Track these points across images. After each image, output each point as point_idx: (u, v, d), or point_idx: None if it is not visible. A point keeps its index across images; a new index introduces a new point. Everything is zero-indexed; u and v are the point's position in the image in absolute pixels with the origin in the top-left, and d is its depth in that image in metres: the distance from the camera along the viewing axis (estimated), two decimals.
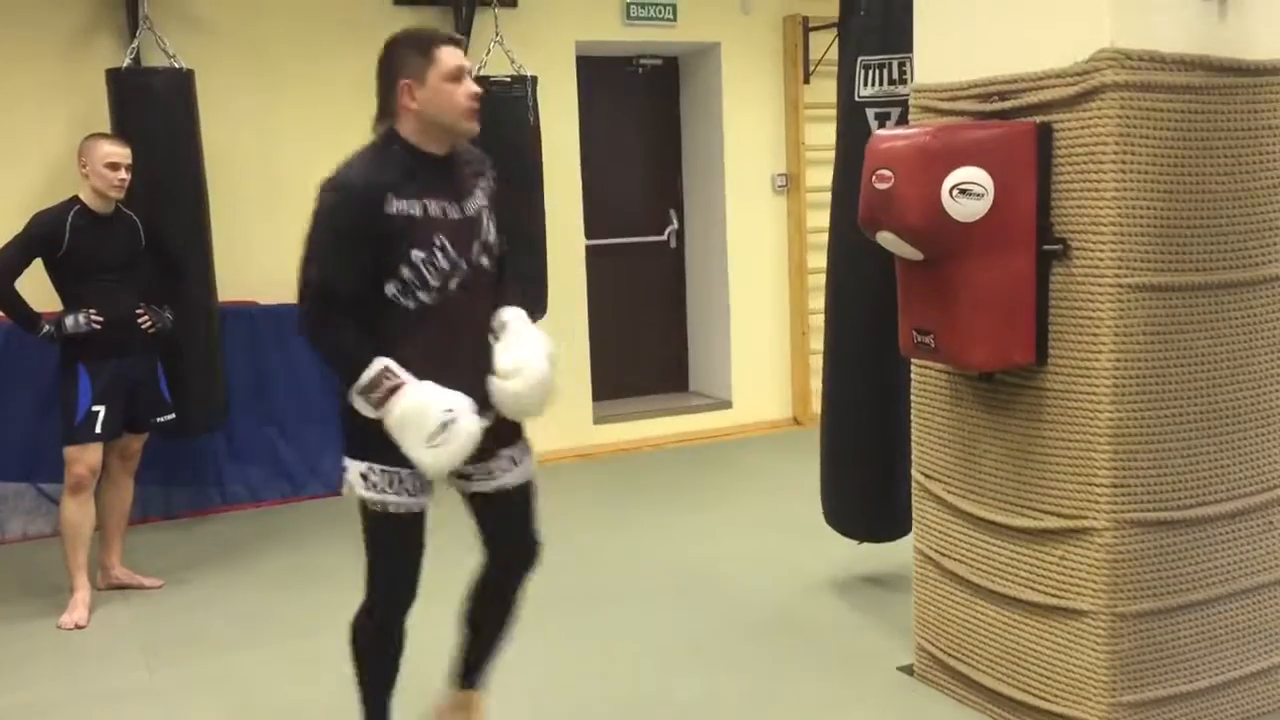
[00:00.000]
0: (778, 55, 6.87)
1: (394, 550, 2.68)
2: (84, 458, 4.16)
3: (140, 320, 4.28)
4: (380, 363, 2.44)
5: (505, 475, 2.80)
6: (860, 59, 3.84)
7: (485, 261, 2.63)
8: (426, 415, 2.42)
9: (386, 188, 2.47)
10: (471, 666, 2.95)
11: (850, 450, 4.06)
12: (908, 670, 3.54)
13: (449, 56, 2.53)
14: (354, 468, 2.60)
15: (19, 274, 4.13)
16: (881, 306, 3.55)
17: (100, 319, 4.15)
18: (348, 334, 2.49)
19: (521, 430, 2.82)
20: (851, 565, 4.41)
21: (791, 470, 6.03)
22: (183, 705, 3.56)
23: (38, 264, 4.16)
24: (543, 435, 6.26)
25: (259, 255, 5.58)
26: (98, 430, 4.16)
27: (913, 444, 3.42)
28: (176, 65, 4.90)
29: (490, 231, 2.65)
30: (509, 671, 3.68)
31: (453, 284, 2.54)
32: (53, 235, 4.12)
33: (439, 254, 2.52)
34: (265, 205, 5.65)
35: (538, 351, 2.68)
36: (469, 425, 2.46)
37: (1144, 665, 2.88)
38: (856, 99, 3.86)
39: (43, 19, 5.23)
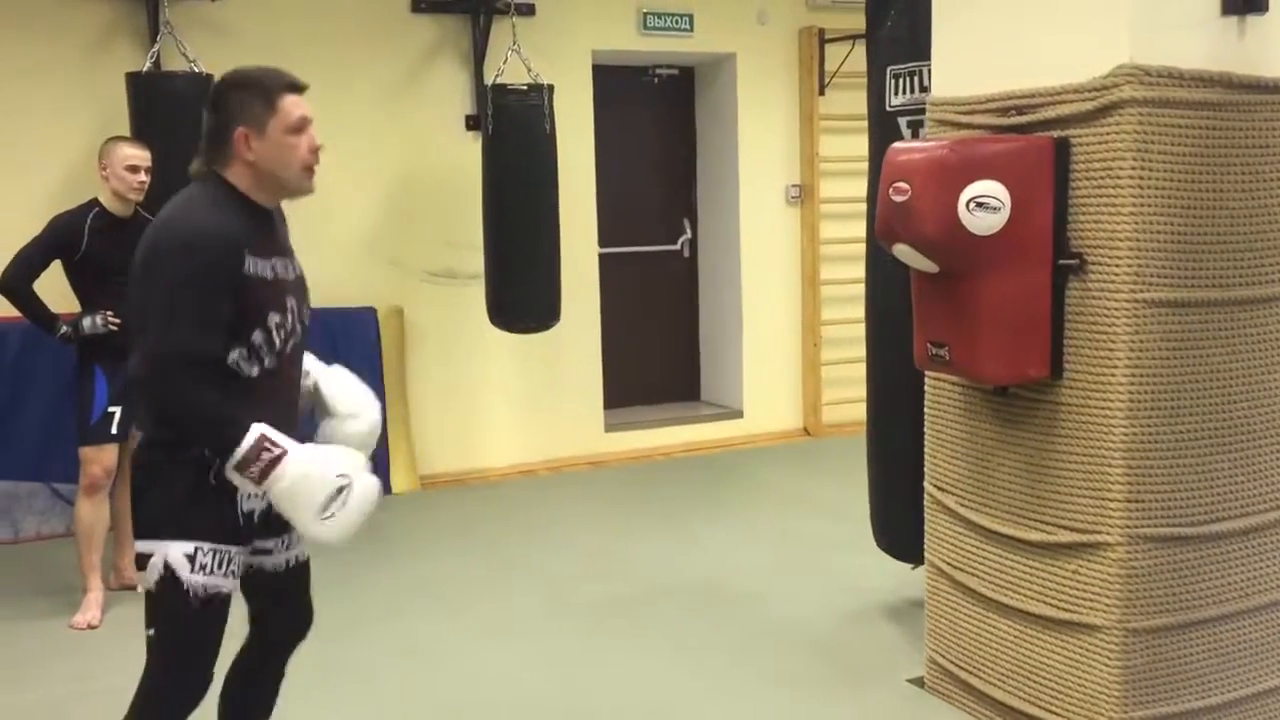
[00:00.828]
0: (793, 66, 6.88)
1: (206, 642, 2.33)
2: (99, 458, 4.18)
3: None
4: (257, 430, 2.16)
5: (300, 545, 2.56)
6: (890, 69, 3.84)
7: (307, 321, 2.44)
8: (316, 486, 2.19)
9: (243, 244, 2.22)
10: None
11: (899, 471, 3.88)
12: (918, 682, 3.54)
13: (292, 106, 2.30)
14: (174, 549, 2.24)
15: (38, 275, 4.16)
16: None
17: (117, 320, 4.17)
18: (212, 399, 2.18)
19: None
20: (861, 577, 4.41)
21: (802, 481, 6.04)
22: None
23: (56, 266, 4.19)
24: (553, 443, 6.36)
25: None
26: (113, 431, 4.19)
27: (926, 456, 3.42)
28: (196, 69, 4.93)
29: (308, 290, 2.47)
30: (517, 680, 3.69)
31: (289, 347, 2.34)
32: (71, 237, 4.14)
33: (289, 317, 2.32)
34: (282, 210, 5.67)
35: (363, 389, 2.59)
36: (365, 488, 2.25)
37: (1156, 681, 2.87)
38: (888, 108, 3.85)
39: (65, 23, 5.27)
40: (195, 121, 4.88)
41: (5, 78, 5.21)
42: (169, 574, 2.25)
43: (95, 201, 4.22)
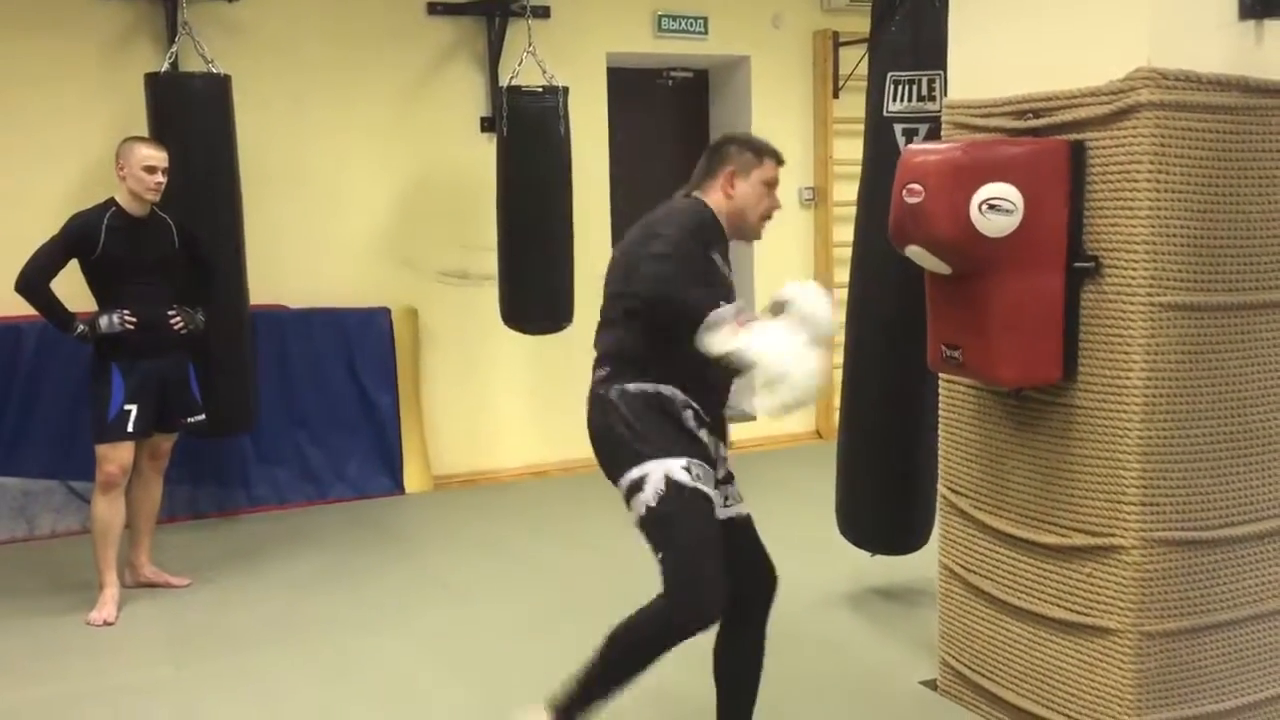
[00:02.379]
0: (807, 69, 6.89)
1: (712, 545, 2.63)
2: (115, 456, 4.21)
3: (173, 321, 4.32)
4: (734, 304, 2.54)
5: (738, 505, 2.89)
6: (890, 74, 3.86)
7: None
8: (791, 336, 2.48)
9: (715, 244, 2.77)
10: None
11: (865, 460, 4.09)
12: (930, 685, 3.54)
13: (774, 170, 2.83)
14: (673, 464, 2.62)
15: (55, 274, 4.18)
16: (901, 316, 3.56)
17: (134, 319, 4.19)
18: (695, 289, 2.59)
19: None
20: (872, 579, 4.41)
21: (814, 483, 6.01)
22: (208, 702, 3.59)
23: (74, 265, 4.22)
24: (567, 443, 6.36)
25: (290, 260, 5.64)
26: (129, 429, 4.21)
27: (939, 459, 3.43)
28: (214, 70, 4.95)
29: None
30: (530, 678, 3.70)
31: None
32: (88, 237, 4.17)
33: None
34: (297, 211, 5.70)
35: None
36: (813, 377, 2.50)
37: (1170, 685, 2.87)
38: (885, 114, 3.88)
39: (83, 23, 5.30)
40: (211, 122, 4.98)
41: (24, 78, 5.24)
42: (672, 485, 2.59)
43: (112, 201, 4.24)
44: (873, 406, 4.04)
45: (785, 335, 2.48)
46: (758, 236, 2.91)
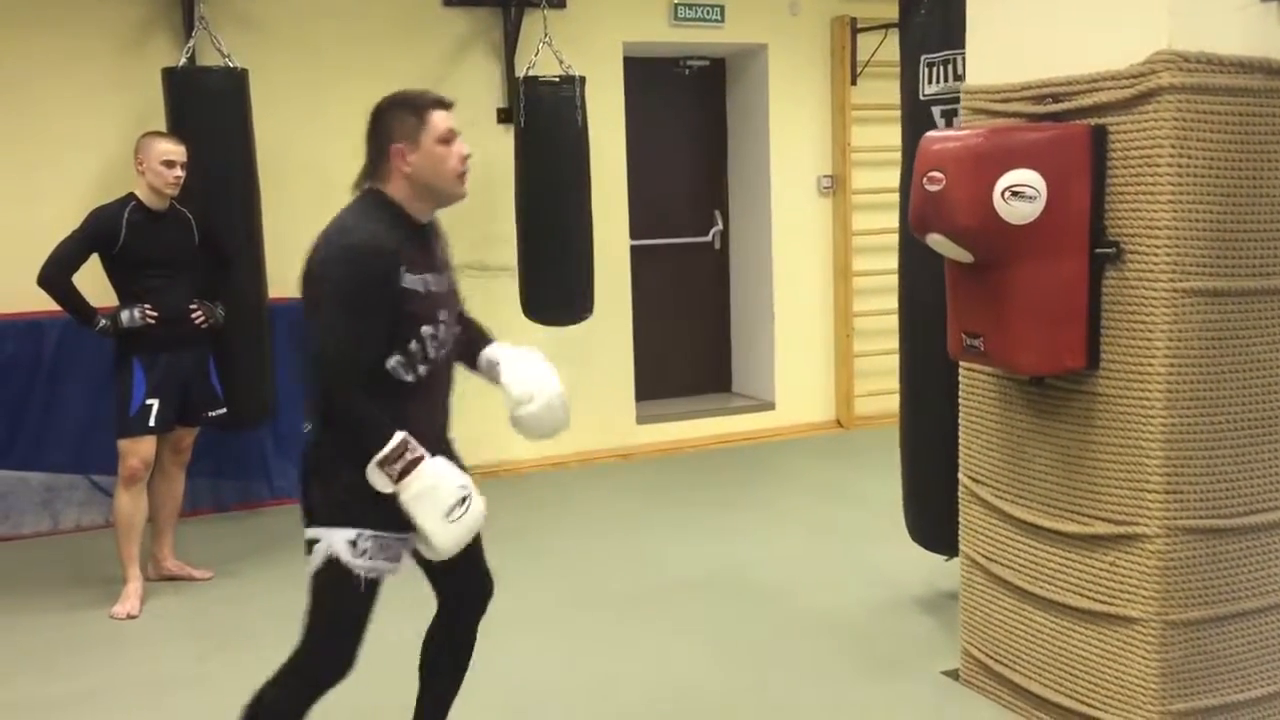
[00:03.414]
0: (825, 56, 6.85)
1: (356, 622, 2.54)
2: (138, 450, 4.23)
3: (193, 315, 4.34)
4: (400, 435, 2.37)
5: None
6: (924, 57, 3.81)
7: (457, 329, 2.66)
8: (445, 490, 2.40)
9: (400, 259, 2.41)
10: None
11: (933, 462, 3.87)
12: (953, 675, 3.52)
13: (440, 119, 2.50)
14: (339, 535, 2.45)
15: (76, 269, 4.20)
16: None
17: (155, 314, 4.21)
18: (370, 405, 2.39)
19: None
20: (894, 570, 4.39)
21: (834, 473, 6.02)
22: (231, 694, 3.57)
23: (95, 260, 4.24)
24: (585, 435, 6.37)
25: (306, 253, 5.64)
26: (151, 423, 4.23)
27: (960, 447, 3.40)
28: (231, 65, 4.96)
29: (461, 300, 2.70)
30: (547, 670, 3.70)
31: (441, 355, 2.54)
32: (109, 231, 4.18)
33: (441, 328, 2.51)
34: (315, 205, 5.65)
35: (543, 369, 2.75)
36: (479, 503, 2.47)
37: (1195, 674, 2.85)
38: (921, 97, 3.82)
39: (101, 19, 5.32)
40: (229, 116, 4.99)
41: (43, 73, 5.26)
42: (333, 558, 2.45)
43: (132, 195, 4.26)
44: (933, 402, 3.82)
45: (435, 493, 2.38)
46: (462, 195, 2.57)
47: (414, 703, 2.91)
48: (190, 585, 4.52)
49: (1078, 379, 2.94)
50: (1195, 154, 2.69)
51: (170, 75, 4.87)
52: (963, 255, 2.89)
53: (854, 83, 6.78)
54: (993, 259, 2.85)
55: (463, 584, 2.80)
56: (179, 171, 4.26)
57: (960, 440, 3.40)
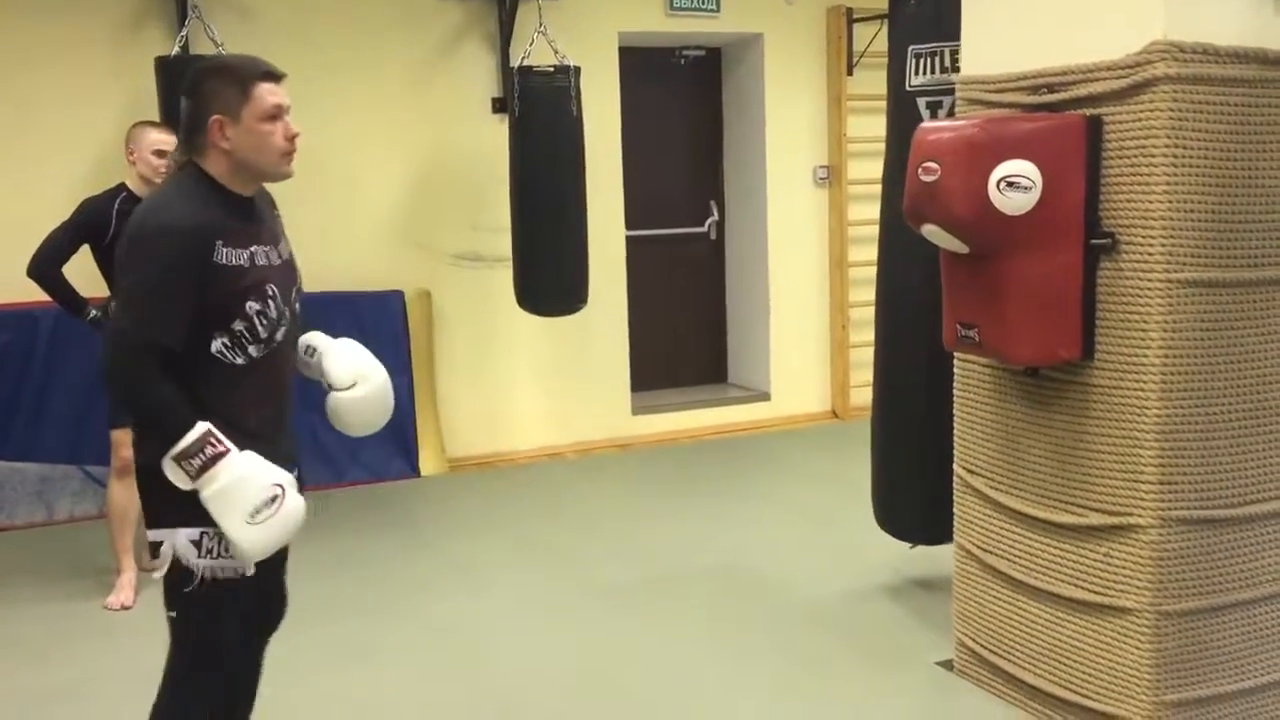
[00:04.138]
0: (821, 46, 6.83)
1: (231, 631, 2.38)
2: (130, 441, 4.21)
3: None
4: (202, 426, 2.18)
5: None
6: (911, 48, 3.80)
7: (298, 308, 2.45)
8: (251, 489, 2.19)
9: (216, 234, 2.22)
10: None
11: (903, 450, 3.95)
12: (946, 665, 3.52)
13: (267, 94, 2.28)
14: (181, 536, 2.26)
15: (66, 259, 4.18)
16: (935, 299, 3.48)
17: None
18: (167, 391, 2.20)
19: None
20: (889, 560, 4.39)
21: (830, 464, 6.02)
22: None
23: (86, 250, 4.22)
24: (581, 426, 6.37)
25: (301, 244, 5.56)
26: None
27: (955, 438, 3.40)
28: (223, 54, 4.94)
29: (300, 276, 2.48)
30: (544, 660, 3.70)
31: (278, 335, 2.34)
32: (99, 221, 4.16)
33: (271, 304, 2.30)
34: (309, 194, 5.66)
35: (368, 357, 2.57)
36: (296, 504, 2.26)
37: (1189, 664, 2.85)
38: (907, 88, 3.82)
39: (93, 7, 5.30)
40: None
41: (34, 62, 5.24)
42: (178, 561, 2.28)
43: (123, 186, 4.24)
44: (906, 392, 3.90)
45: (237, 493, 2.18)
46: (287, 174, 2.36)
47: None
48: None
49: (1072, 370, 2.93)
50: (1190, 145, 2.68)
51: (163, 64, 4.85)
52: (957, 246, 2.88)
53: (850, 73, 6.77)
54: (988, 249, 2.84)
55: (269, 604, 2.59)
56: (170, 161, 4.23)
57: (955, 431, 3.40)
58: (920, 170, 2.85)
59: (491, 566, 4.62)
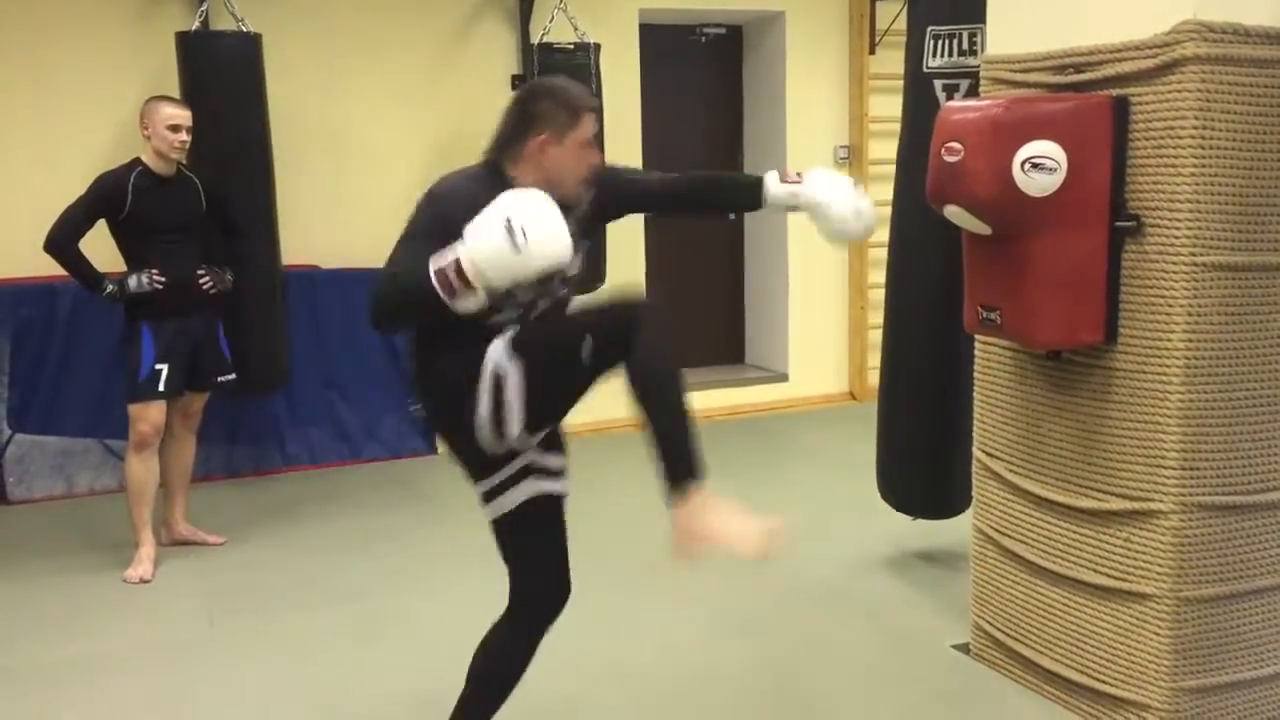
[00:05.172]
0: (843, 25, 6.78)
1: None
2: (147, 415, 4.23)
3: (201, 281, 4.33)
4: (433, 262, 2.29)
5: (566, 480, 2.72)
6: (930, 29, 3.78)
7: (564, 290, 2.61)
8: (491, 228, 2.22)
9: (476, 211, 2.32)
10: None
11: (905, 423, 4.04)
12: (963, 648, 3.51)
13: (591, 126, 2.48)
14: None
15: (83, 234, 4.19)
16: (944, 279, 3.51)
17: (162, 279, 4.20)
18: (402, 275, 2.38)
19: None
20: (907, 541, 4.38)
21: (847, 445, 6.00)
22: (241, 658, 3.62)
23: (103, 224, 4.23)
24: (598, 405, 6.32)
25: (322, 220, 5.64)
26: (161, 388, 4.23)
27: (975, 421, 3.38)
28: (244, 29, 4.93)
29: (576, 265, 2.55)
30: (557, 639, 3.70)
31: (536, 309, 2.50)
32: (115, 197, 4.17)
33: (555, 284, 2.51)
34: (329, 171, 5.69)
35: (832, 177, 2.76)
36: (544, 209, 2.23)
37: (1207, 650, 2.83)
38: (924, 70, 3.80)
39: None
40: (242, 81, 4.96)
41: (55, 37, 5.25)
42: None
43: (139, 161, 4.24)
44: (913, 369, 3.98)
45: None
46: (581, 198, 2.52)
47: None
48: (203, 550, 4.54)
49: (1095, 354, 2.91)
50: (1218, 126, 2.65)
51: (183, 39, 4.84)
52: (980, 227, 2.86)
53: (872, 52, 6.71)
54: (1011, 231, 2.81)
55: (542, 585, 2.72)
56: (184, 136, 4.23)
57: (975, 414, 3.38)
58: (944, 150, 2.82)
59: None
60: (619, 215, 2.83)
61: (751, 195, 2.79)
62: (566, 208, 2.38)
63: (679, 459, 2.48)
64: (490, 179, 2.44)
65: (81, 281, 4.24)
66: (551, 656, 3.60)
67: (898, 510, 4.20)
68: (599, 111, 2.55)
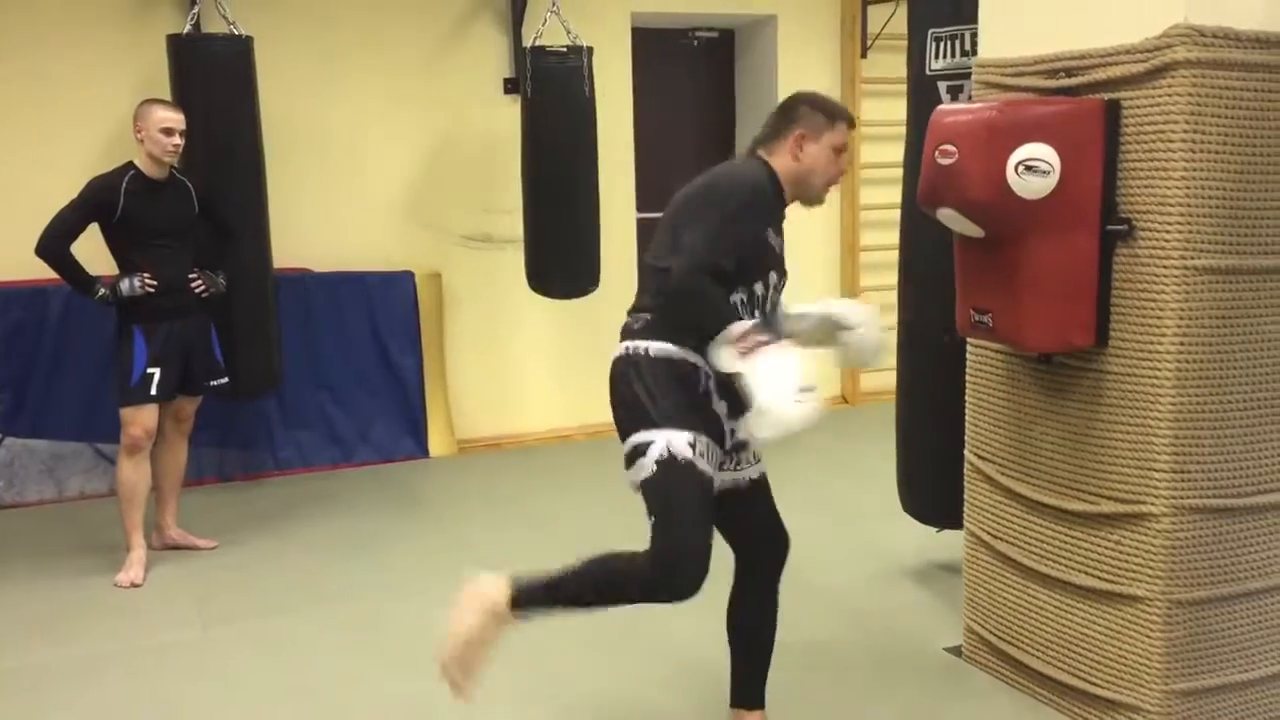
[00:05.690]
0: (835, 28, 6.79)
1: (703, 519, 2.61)
2: (139, 419, 4.22)
3: (193, 284, 4.33)
4: (751, 321, 2.54)
5: (753, 467, 2.85)
6: (931, 31, 3.78)
7: (779, 296, 2.87)
8: (796, 369, 2.44)
9: (771, 218, 2.70)
10: (744, 682, 2.97)
11: (926, 434, 3.94)
12: (955, 651, 3.52)
13: (845, 134, 2.74)
14: (678, 437, 2.56)
15: (75, 238, 4.18)
16: (953, 280, 3.44)
17: (154, 283, 4.20)
18: (718, 293, 2.57)
19: None
20: (899, 545, 4.39)
21: (839, 449, 6.00)
22: (233, 663, 3.61)
23: (94, 228, 4.21)
24: (591, 408, 6.35)
25: (313, 223, 5.63)
26: (153, 392, 4.22)
27: (966, 424, 3.39)
28: (236, 32, 4.92)
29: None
30: (552, 642, 3.71)
31: (765, 308, 2.76)
32: (107, 200, 4.16)
33: (769, 286, 2.74)
34: (321, 174, 5.68)
35: (863, 306, 2.95)
36: (819, 405, 2.46)
37: (1199, 653, 2.84)
38: (928, 72, 3.80)
39: None
40: (233, 84, 4.95)
41: (46, 40, 5.23)
42: (672, 456, 2.54)
43: (131, 164, 4.24)
44: (929, 375, 3.89)
45: (785, 371, 2.44)
46: (820, 202, 2.82)
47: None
48: (194, 554, 4.53)
49: (1086, 357, 2.91)
50: (1209, 130, 2.66)
51: (175, 42, 4.83)
52: (973, 230, 2.86)
53: (864, 55, 6.72)
54: (1003, 234, 2.82)
55: (761, 540, 2.88)
56: (178, 139, 4.23)
57: (967, 417, 3.38)
58: (937, 153, 2.83)
59: (499, 547, 4.62)
60: None
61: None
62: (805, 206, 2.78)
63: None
64: (772, 179, 2.71)
65: (74, 285, 4.23)
66: (549, 656, 3.61)
67: (922, 522, 4.10)
68: (854, 126, 2.79)
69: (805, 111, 2.73)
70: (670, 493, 2.56)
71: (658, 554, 2.57)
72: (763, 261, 2.68)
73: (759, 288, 2.70)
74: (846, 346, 2.91)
